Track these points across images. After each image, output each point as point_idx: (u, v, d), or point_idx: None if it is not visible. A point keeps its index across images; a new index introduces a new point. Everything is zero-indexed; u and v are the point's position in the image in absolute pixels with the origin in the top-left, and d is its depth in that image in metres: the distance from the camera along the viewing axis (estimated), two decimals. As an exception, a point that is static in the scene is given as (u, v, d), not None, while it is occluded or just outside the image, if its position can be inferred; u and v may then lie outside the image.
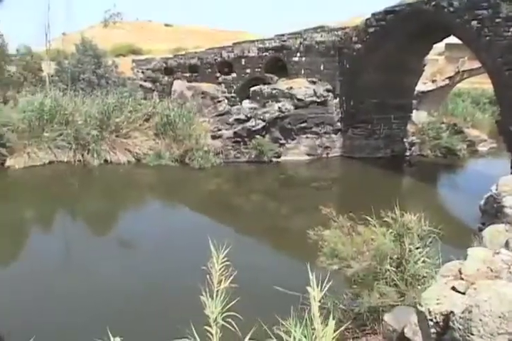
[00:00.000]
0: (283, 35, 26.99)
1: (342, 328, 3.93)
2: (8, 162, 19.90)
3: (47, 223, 15.28)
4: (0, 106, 22.52)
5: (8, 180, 19.24)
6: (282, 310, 4.76)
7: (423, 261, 5.82)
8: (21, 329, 6.65)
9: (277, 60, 26.40)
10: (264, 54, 27.25)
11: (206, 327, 3.62)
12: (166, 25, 65.13)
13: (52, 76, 30.01)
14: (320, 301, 3.42)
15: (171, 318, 7.70)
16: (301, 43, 24.90)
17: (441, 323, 2.75)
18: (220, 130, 23.17)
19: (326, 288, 3.54)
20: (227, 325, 3.72)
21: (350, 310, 5.93)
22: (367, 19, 21.93)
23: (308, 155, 23.21)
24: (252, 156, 22.03)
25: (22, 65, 29.79)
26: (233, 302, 3.77)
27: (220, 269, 3.86)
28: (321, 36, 24.24)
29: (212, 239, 3.96)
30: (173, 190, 19.02)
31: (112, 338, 3.64)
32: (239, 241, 4.04)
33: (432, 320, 2.78)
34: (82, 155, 20.98)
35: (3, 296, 9.08)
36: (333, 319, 3.31)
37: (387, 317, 4.59)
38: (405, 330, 3.32)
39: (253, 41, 29.05)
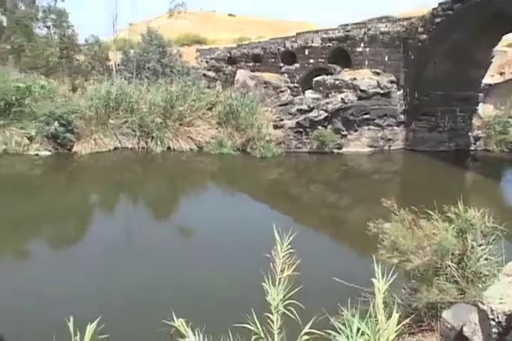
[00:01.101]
0: (347, 25, 26.58)
1: (405, 321, 3.90)
2: (76, 147, 20.63)
3: (111, 207, 15.78)
4: (69, 94, 23.35)
5: (75, 165, 19.96)
6: (340, 301, 4.76)
7: (486, 259, 5.67)
8: (89, 310, 6.89)
9: (341, 51, 26.06)
10: (327, 44, 26.96)
11: (267, 314, 3.66)
12: (230, 15, 65.41)
13: (118, 65, 30.73)
14: (376, 295, 3.40)
15: (232, 304, 7.85)
16: (365, 33, 24.47)
17: (503, 323, 2.69)
18: (282, 120, 23.16)
19: (390, 281, 3.53)
20: (288, 313, 3.75)
21: (407, 304, 5.86)
22: (433, 9, 21.29)
23: (370, 147, 22.88)
24: (314, 147, 21.91)
25: (90, 55, 30.66)
26: (295, 291, 3.80)
27: (283, 257, 3.89)
28: (386, 26, 23.74)
29: (271, 228, 3.99)
30: (234, 178, 19.22)
31: (176, 320, 3.73)
32: (297, 231, 4.04)
33: (493, 319, 2.72)
34: (146, 142, 21.50)
35: (76, 275, 9.54)
36: (391, 313, 3.29)
37: (445, 314, 4.52)
38: (464, 329, 3.27)
39: (317, 31, 28.77)
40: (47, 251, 11.97)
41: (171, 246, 11.56)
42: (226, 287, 9.01)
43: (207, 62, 37.43)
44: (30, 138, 20.64)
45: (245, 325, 3.87)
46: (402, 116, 23.27)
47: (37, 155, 20.29)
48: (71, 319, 3.31)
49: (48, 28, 31.97)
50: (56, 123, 20.01)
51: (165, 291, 8.97)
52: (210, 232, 12.44)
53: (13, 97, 21.52)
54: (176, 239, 12.40)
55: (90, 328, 3.35)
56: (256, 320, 3.79)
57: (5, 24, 31.64)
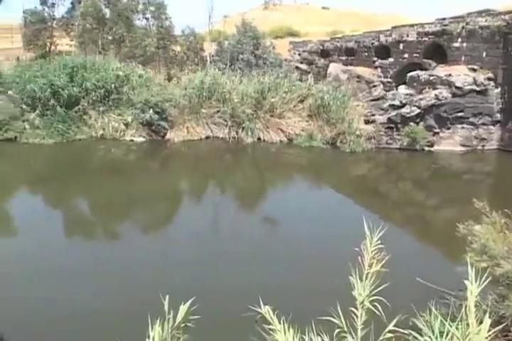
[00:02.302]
0: (444, 19, 25.52)
1: (497, 329, 3.64)
2: (169, 135, 21.19)
3: (200, 194, 16.05)
4: (164, 83, 23.99)
5: (167, 152, 20.50)
6: (420, 300, 4.60)
7: None
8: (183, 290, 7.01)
9: (437, 46, 25.09)
10: (423, 39, 26.01)
11: (352, 309, 3.55)
12: (323, 8, 64.81)
13: (212, 56, 31.21)
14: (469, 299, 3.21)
15: (318, 295, 7.75)
16: (463, 28, 23.34)
17: None
18: (373, 115, 22.66)
19: (483, 285, 3.32)
20: (373, 309, 3.62)
21: (494, 312, 5.50)
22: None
23: (463, 146, 21.87)
24: (404, 143, 21.27)
25: (186, 45, 31.31)
26: (382, 287, 3.66)
27: (372, 252, 3.77)
28: (486, 21, 22.47)
29: (356, 223, 3.87)
30: (322, 171, 19.01)
31: (262, 306, 3.68)
32: (382, 227, 3.91)
33: None
34: (237, 132, 21.69)
35: (167, 258, 9.79)
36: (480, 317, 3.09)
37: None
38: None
39: (412, 25, 27.85)
40: (138, 234, 12.35)
41: (257, 234, 11.65)
42: (313, 278, 8.92)
43: (299, 54, 37.27)
44: (127, 125, 21.46)
45: (329, 318, 3.77)
46: (498, 115, 22.05)
47: (132, 140, 21.08)
48: (167, 298, 3.34)
49: (147, 19, 32.95)
50: (151, 111, 20.63)
51: (253, 278, 9.00)
52: (296, 223, 12.42)
53: (113, 85, 22.42)
54: (262, 228, 12.46)
55: (183, 308, 3.39)
56: (340, 314, 3.67)
57: (107, 16, 32.90)
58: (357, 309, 3.62)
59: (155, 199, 14.88)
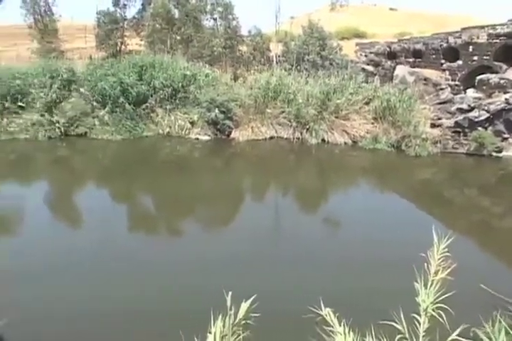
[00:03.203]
0: (516, 19, 24.61)
1: None
2: (233, 134, 21.39)
3: (262, 192, 16.06)
4: (231, 82, 24.23)
5: (232, 150, 20.67)
6: (485, 311, 4.44)
7: None
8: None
9: (508, 48, 24.23)
10: (494, 41, 25.16)
11: (414, 315, 3.48)
12: (391, 9, 63.85)
13: (278, 56, 31.29)
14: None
15: (381, 299, 7.64)
16: (537, 29, 22.49)
17: None
18: (440, 118, 22.08)
19: None
20: (437, 316, 3.54)
21: None
22: None
23: (534, 153, 21.06)
24: (471, 148, 20.61)
25: (252, 46, 31.50)
26: (446, 295, 3.57)
27: (438, 259, 3.69)
28: (562, 21, 21.61)
29: (419, 228, 3.79)
30: (386, 175, 18.69)
31: (323, 309, 3.66)
32: (446, 234, 3.83)
33: None
34: (301, 133, 21.64)
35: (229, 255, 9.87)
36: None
37: None
38: None
39: (483, 27, 26.95)
40: (201, 231, 12.49)
41: (318, 236, 11.60)
42: (376, 282, 8.80)
43: (366, 56, 36.84)
44: (192, 123, 21.85)
45: (391, 323, 3.72)
46: None
47: (197, 139, 21.41)
48: (229, 294, 3.38)
49: (215, 19, 33.42)
50: (217, 110, 20.87)
51: (314, 279, 8.97)
52: (358, 225, 12.28)
53: (180, 84, 22.87)
54: (324, 230, 12.39)
55: (245, 305, 3.44)
56: (402, 319, 3.62)
57: (176, 16, 33.55)
58: (420, 315, 3.57)
59: (217, 197, 15.05)
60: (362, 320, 4.04)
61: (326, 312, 3.71)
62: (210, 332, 3.30)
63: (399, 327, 3.66)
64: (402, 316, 3.70)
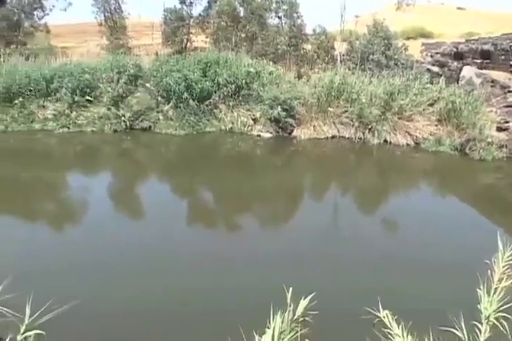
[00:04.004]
0: None
1: None
2: (295, 132, 21.40)
3: (321, 191, 16.04)
4: (294, 80, 24.27)
5: (293, 149, 20.69)
6: None
7: None
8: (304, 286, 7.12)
9: None
10: None
11: (476, 323, 3.42)
12: (458, 8, 62.20)
13: (343, 55, 31.05)
14: None
15: (442, 305, 7.51)
16: None
17: None
18: (507, 122, 21.36)
19: None
20: (499, 326, 3.47)
21: None
22: None
23: None
24: (540, 154, 19.95)
25: (316, 44, 31.39)
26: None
27: (503, 267, 3.61)
28: None
29: (481, 234, 3.71)
30: (448, 178, 18.27)
31: (381, 310, 3.65)
32: (510, 241, 3.75)
33: None
34: (363, 133, 21.41)
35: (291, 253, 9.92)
36: None
37: None
38: None
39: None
40: (259, 228, 12.63)
41: (377, 238, 11.51)
42: (436, 286, 8.66)
43: (431, 56, 36.03)
44: (255, 120, 22.01)
45: (451, 329, 3.67)
46: None
47: (259, 136, 21.57)
48: (290, 290, 3.40)
49: (279, 18, 33.48)
50: (279, 108, 20.95)
51: (373, 281, 8.89)
52: (417, 229, 12.08)
53: (243, 81, 23.05)
54: (383, 231, 12.28)
55: (304, 302, 3.47)
56: (463, 326, 3.55)
57: (242, 14, 33.83)
58: (481, 323, 3.52)
59: (277, 194, 15.15)
60: (420, 323, 3.99)
61: (384, 313, 3.70)
62: (268, 327, 3.34)
63: (459, 333, 3.61)
64: (462, 323, 3.65)
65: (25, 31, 36.82)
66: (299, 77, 25.23)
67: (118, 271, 9.44)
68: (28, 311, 3.31)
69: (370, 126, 21.39)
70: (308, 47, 31.88)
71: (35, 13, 38.41)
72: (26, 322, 3.28)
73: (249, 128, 21.97)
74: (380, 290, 7.81)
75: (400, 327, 3.62)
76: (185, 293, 8.48)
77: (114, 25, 36.37)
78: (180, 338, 7.28)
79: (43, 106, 24.16)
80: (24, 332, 3.24)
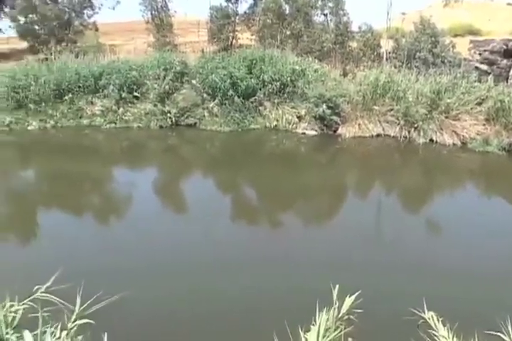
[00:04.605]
0: None
1: None
2: (340, 130, 21.34)
3: (364, 190, 15.98)
4: (339, 78, 24.18)
5: (337, 146, 20.63)
6: None
7: None
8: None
9: None
10: None
11: None
12: (508, 4, 60.59)
13: (389, 53, 30.71)
14: None
15: (488, 310, 7.43)
16: None
17: None
18: (557, 122, 20.86)
19: None
20: None
21: None
22: None
23: None
24: None
25: (362, 42, 31.13)
26: None
27: None
28: None
29: None
30: (495, 179, 17.91)
31: (426, 312, 3.65)
32: None
33: None
34: (409, 131, 21.13)
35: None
36: None
37: None
38: None
39: None
40: (301, 226, 12.70)
41: (422, 240, 11.39)
42: (482, 290, 8.57)
43: (480, 54, 35.22)
44: (300, 118, 22.06)
45: (498, 334, 3.65)
46: None
47: (304, 133, 21.60)
48: (336, 287, 3.46)
49: (325, 15, 33.34)
50: (324, 106, 20.91)
51: (418, 283, 8.82)
52: (464, 231, 11.95)
53: (288, 78, 23.13)
54: (427, 232, 12.18)
55: (349, 300, 3.50)
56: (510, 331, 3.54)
57: (287, 12, 33.82)
58: None
59: (320, 192, 15.18)
60: (466, 327, 3.98)
61: (429, 315, 3.71)
62: (313, 324, 3.37)
63: (506, 338, 3.59)
64: (509, 327, 3.64)
65: (75, 30, 37.77)
66: (345, 74, 25.11)
67: (164, 267, 9.62)
68: (78, 301, 3.42)
69: (415, 125, 21.12)
70: (354, 44, 31.64)
71: (84, 12, 39.45)
72: (77, 311, 3.39)
73: (294, 125, 22.02)
74: (425, 292, 7.79)
75: (446, 329, 3.62)
76: (231, 290, 8.61)
77: (160, 23, 36.85)
78: (229, 332, 7.38)
79: (91, 103, 24.81)
80: (74, 321, 3.34)
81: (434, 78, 23.35)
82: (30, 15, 37.80)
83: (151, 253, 10.17)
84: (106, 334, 3.12)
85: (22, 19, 38.22)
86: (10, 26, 39.02)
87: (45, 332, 2.80)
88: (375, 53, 30.84)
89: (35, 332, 2.70)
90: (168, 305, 8.14)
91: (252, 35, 35.55)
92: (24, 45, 38.88)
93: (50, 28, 37.21)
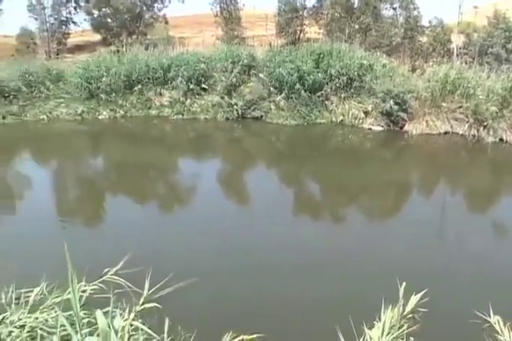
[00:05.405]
0: None
1: None
2: (407, 127, 21.05)
3: (428, 189, 15.69)
4: (408, 74, 23.84)
5: (403, 143, 20.43)
6: None
7: None
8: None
9: None
10: None
11: None
12: None
13: (460, 48, 30.01)
14: None
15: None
16: None
17: None
18: None
19: None
20: None
21: None
22: None
23: None
24: None
25: (432, 36, 30.54)
26: None
27: None
28: None
29: None
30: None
31: (492, 316, 3.61)
32: None
33: None
34: (478, 130, 20.58)
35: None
36: None
37: None
38: None
39: None
40: (367, 221, 12.72)
41: (488, 240, 11.12)
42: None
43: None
44: (366, 113, 21.92)
45: None
46: None
47: (370, 129, 21.48)
48: (403, 285, 3.40)
49: (394, 9, 32.91)
50: (392, 101, 20.69)
51: (483, 283, 8.70)
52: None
53: (356, 73, 23.00)
54: (493, 235, 11.86)
55: (414, 298, 3.46)
56: None
57: (356, 5, 33.55)
58: None
59: (384, 189, 15.03)
60: None
61: (495, 319, 3.68)
62: (377, 321, 3.36)
63: None
64: None
65: (145, 22, 38.81)
66: (413, 70, 24.73)
67: (227, 258, 9.73)
68: (146, 285, 3.48)
69: (485, 123, 20.54)
70: (423, 39, 31.07)
71: (155, 5, 40.41)
72: (145, 294, 3.46)
73: (360, 121, 21.92)
74: (491, 296, 7.68)
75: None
76: (297, 283, 8.73)
77: (229, 17, 37.32)
78: (296, 325, 7.46)
79: (160, 94, 25.47)
80: (142, 304, 3.41)
81: (507, 75, 22.63)
82: (104, 9, 39.16)
83: (214, 243, 10.36)
84: (167, 319, 3.24)
85: (96, 12, 39.57)
86: (85, 19, 40.53)
87: (114, 312, 2.91)
88: (445, 48, 30.20)
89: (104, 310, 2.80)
90: (233, 297, 8.27)
91: (319, 28, 35.48)
92: (97, 37, 40.29)
93: (122, 21, 38.36)
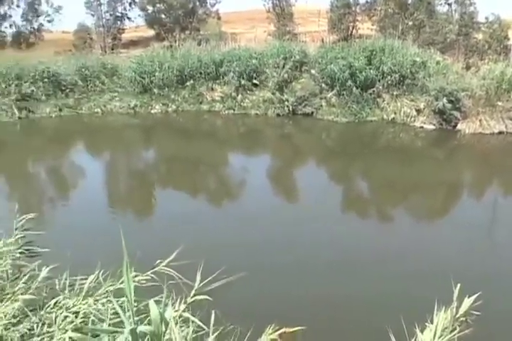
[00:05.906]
0: None
1: None
2: (459, 126, 20.70)
3: (480, 189, 15.46)
4: (462, 71, 23.42)
5: (455, 143, 20.13)
6: None
7: None
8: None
9: None
10: None
11: None
12: None
13: (518, 45, 29.26)
14: None
15: None
16: None
17: None
18: None
19: None
20: None
21: None
22: None
23: None
24: None
25: (488, 33, 29.84)
26: None
27: None
28: None
29: None
30: None
31: None
32: None
33: None
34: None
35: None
36: None
37: None
38: None
39: None
40: (415, 220, 12.74)
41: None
42: None
43: None
44: (418, 111, 21.67)
45: None
46: None
47: (421, 127, 21.24)
48: (458, 286, 3.34)
49: (449, 5, 32.33)
50: (445, 100, 20.39)
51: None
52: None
53: (408, 70, 22.77)
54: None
55: (468, 301, 3.39)
56: None
57: (409, 1, 33.09)
58: None
59: (434, 188, 14.88)
60: None
61: None
62: (430, 323, 3.31)
63: None
64: None
65: (198, 18, 39.32)
66: (468, 67, 24.22)
67: (277, 254, 9.87)
68: (198, 277, 3.52)
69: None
70: (479, 36, 30.36)
71: (208, 1, 40.91)
72: (196, 286, 3.50)
73: (412, 119, 21.66)
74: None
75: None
76: (346, 281, 8.83)
77: (281, 12, 37.39)
78: (345, 324, 7.56)
79: (212, 89, 25.88)
80: (193, 296, 3.47)
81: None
82: (158, 5, 39.89)
83: (263, 239, 10.55)
84: (214, 312, 3.30)
85: (150, 8, 40.36)
86: (139, 15, 41.47)
87: (167, 303, 2.95)
88: (502, 45, 29.40)
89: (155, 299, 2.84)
90: (282, 294, 8.33)
91: (372, 25, 35.14)
92: (151, 32, 41.10)
93: (176, 16, 39.00)
